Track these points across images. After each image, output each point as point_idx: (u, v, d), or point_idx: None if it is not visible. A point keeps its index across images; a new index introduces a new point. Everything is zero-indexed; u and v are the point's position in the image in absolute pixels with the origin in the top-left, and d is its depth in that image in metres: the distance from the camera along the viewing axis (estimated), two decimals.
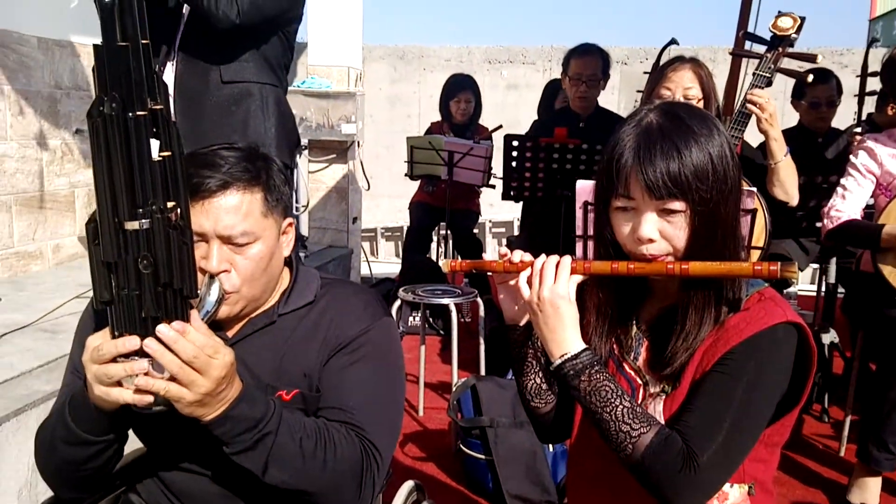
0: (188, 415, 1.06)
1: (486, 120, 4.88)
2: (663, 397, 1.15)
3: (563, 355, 1.13)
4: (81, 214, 4.25)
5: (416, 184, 4.69)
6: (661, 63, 3.73)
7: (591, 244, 2.10)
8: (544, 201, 3.12)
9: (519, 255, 1.21)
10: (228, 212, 1.20)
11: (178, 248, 0.99)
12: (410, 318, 3.98)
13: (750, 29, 2.75)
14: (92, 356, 1.03)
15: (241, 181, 1.21)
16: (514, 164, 2.94)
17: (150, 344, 1.00)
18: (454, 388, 2.39)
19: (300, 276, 1.36)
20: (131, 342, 1.00)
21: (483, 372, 2.91)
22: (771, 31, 2.24)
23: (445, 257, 4.17)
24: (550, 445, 2.25)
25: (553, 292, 1.13)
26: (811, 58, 2.26)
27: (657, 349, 1.17)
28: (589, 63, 3.44)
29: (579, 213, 2.07)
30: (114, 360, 1.02)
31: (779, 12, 2.24)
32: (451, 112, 4.50)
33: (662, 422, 1.12)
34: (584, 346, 1.14)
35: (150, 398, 1.03)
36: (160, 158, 0.98)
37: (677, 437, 1.07)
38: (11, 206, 3.70)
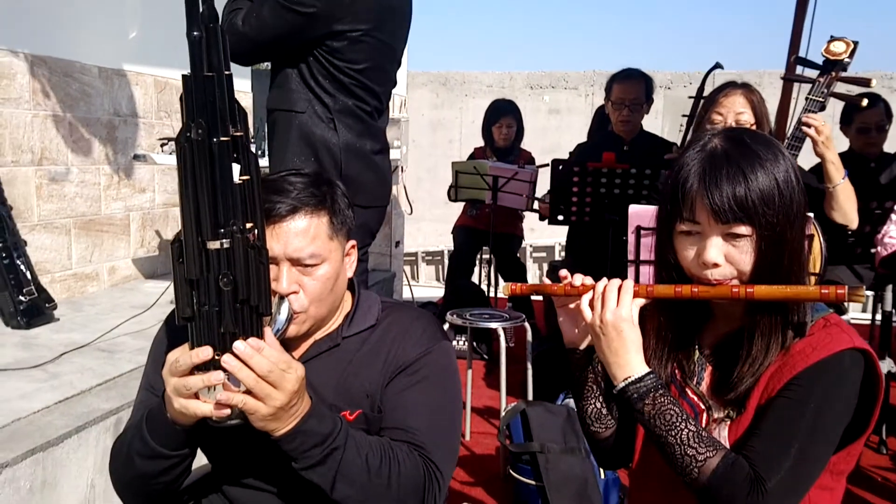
0: (261, 429, 1.09)
1: (528, 144, 4.92)
2: (728, 422, 1.15)
3: (626, 378, 1.14)
4: (136, 238, 4.37)
5: (457, 207, 4.72)
6: (707, 88, 3.73)
7: (644, 268, 2.11)
8: (591, 226, 3.12)
9: (580, 279, 1.23)
10: (297, 235, 1.24)
11: (255, 267, 1.03)
12: (455, 342, 4.00)
13: (801, 53, 2.74)
14: (171, 369, 1.07)
15: (309, 205, 1.26)
16: (561, 188, 2.96)
17: (227, 360, 1.04)
18: (504, 413, 2.39)
19: (362, 299, 1.40)
20: (204, 352, 1.04)
21: (530, 397, 2.91)
22: (823, 56, 2.24)
23: (489, 282, 4.19)
24: (602, 472, 2.24)
25: (616, 315, 1.14)
26: (865, 82, 2.25)
27: (721, 374, 1.17)
28: (631, 87, 3.46)
29: (631, 238, 2.08)
30: (191, 372, 1.06)
31: (831, 37, 2.24)
32: (493, 137, 4.54)
33: (728, 447, 1.11)
34: (647, 369, 1.15)
35: (227, 411, 1.06)
36: (240, 182, 1.03)
37: (744, 462, 1.07)
38: (70, 228, 3.83)
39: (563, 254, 6.76)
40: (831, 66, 2.23)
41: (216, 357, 1.05)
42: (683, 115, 3.69)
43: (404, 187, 4.87)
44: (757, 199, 1.07)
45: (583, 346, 1.28)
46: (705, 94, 3.64)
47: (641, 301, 1.17)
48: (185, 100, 0.98)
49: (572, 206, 2.95)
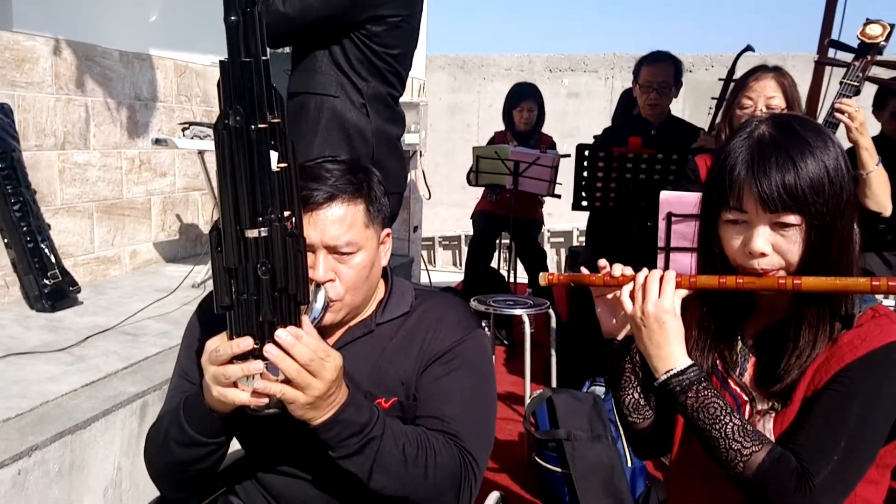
0: (299, 418, 1.09)
1: (547, 128, 4.87)
2: (773, 415, 1.13)
3: (668, 371, 1.12)
4: (157, 221, 4.39)
5: (475, 192, 4.69)
6: (737, 70, 3.67)
7: (674, 256, 2.08)
8: (613, 212, 3.09)
9: (620, 269, 1.21)
10: (334, 223, 1.23)
11: (293, 255, 1.02)
12: None
13: (833, 36, 2.68)
14: (210, 357, 1.07)
15: (346, 193, 1.25)
16: (585, 173, 2.93)
17: (269, 349, 1.03)
18: (529, 400, 2.38)
19: (395, 286, 1.39)
20: (245, 342, 1.04)
21: (554, 384, 2.89)
22: (859, 39, 2.19)
23: (508, 267, 4.17)
24: (629, 460, 2.23)
25: (658, 307, 1.12)
26: None
27: (765, 365, 1.15)
28: (660, 70, 3.41)
29: (662, 225, 2.06)
30: (230, 361, 1.06)
31: (867, 20, 2.18)
32: (514, 121, 4.50)
33: (773, 440, 1.10)
34: (690, 361, 1.13)
35: (266, 400, 1.06)
36: (278, 169, 1.01)
37: (791, 456, 1.05)
38: (93, 212, 3.84)
39: (581, 239, 6.72)
40: (867, 50, 2.18)
41: (255, 346, 1.04)
42: (713, 98, 3.64)
43: (423, 172, 4.85)
44: (807, 188, 1.05)
45: (620, 337, 1.27)
46: (736, 76, 3.59)
47: (684, 292, 1.14)
48: (223, 86, 0.97)
49: (597, 192, 2.91)
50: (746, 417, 1.15)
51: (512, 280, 4.20)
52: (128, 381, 2.56)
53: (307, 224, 1.20)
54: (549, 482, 2.27)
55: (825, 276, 1.06)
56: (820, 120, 2.25)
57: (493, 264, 4.67)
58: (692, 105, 6.82)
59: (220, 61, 0.96)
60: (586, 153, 2.96)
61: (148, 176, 4.25)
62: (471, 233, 4.71)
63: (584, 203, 3.04)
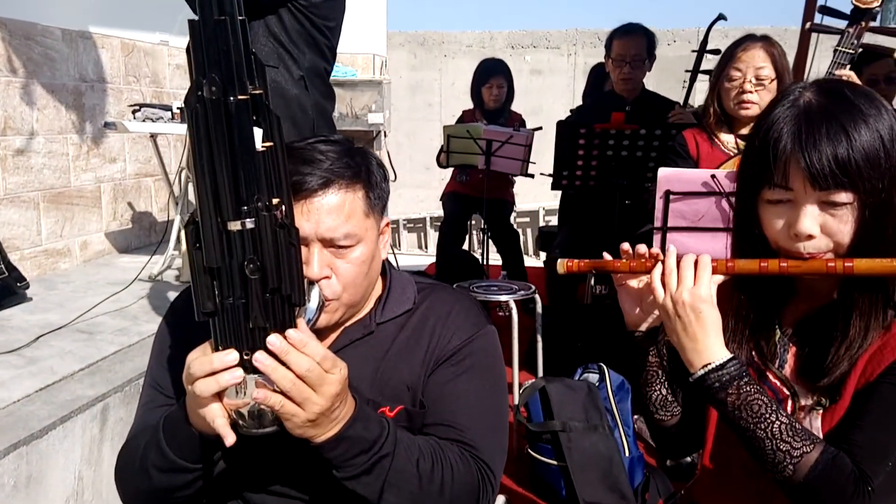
0: (299, 436, 0.95)
1: (511, 106, 4.74)
2: (820, 411, 1.02)
3: (706, 365, 1.01)
4: (108, 210, 4.15)
5: (439, 173, 4.55)
6: (708, 38, 3.59)
7: (672, 235, 1.98)
8: (590, 191, 2.98)
9: (645, 251, 1.09)
10: (331, 212, 1.08)
11: (285, 249, 0.88)
12: None
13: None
14: (185, 376, 0.92)
15: (344, 178, 1.09)
16: (566, 151, 2.81)
17: (260, 358, 0.89)
18: (521, 390, 2.27)
19: (395, 280, 1.24)
20: (229, 356, 0.89)
21: (541, 371, 2.79)
22: (854, 4, 2.10)
23: (482, 250, 4.05)
24: (627, 449, 2.14)
25: (694, 295, 1.01)
26: None
27: (809, 356, 1.05)
28: (633, 43, 3.30)
29: (659, 204, 1.95)
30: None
31: None
32: (483, 98, 4.36)
33: (824, 441, 0.99)
34: (729, 354, 1.02)
35: (230, 435, 0.92)
36: (263, 149, 0.86)
37: (846, 457, 0.95)
38: (39, 202, 3.60)
39: (547, 219, 6.64)
40: (861, 16, 2.10)
41: (245, 357, 0.89)
42: (686, 71, 3.55)
43: (388, 153, 4.69)
44: (861, 161, 0.93)
45: (645, 328, 1.15)
46: (709, 47, 3.51)
47: (720, 278, 1.03)
48: (194, 51, 0.81)
49: (577, 171, 2.80)
50: (789, 413, 1.04)
51: (485, 263, 4.07)
52: (86, 383, 2.39)
53: (299, 214, 1.04)
54: (544, 475, 2.16)
55: (879, 258, 0.95)
56: None
57: (465, 246, 4.54)
58: (655, 81, 6.75)
59: (190, 21, 0.80)
60: (566, 130, 2.84)
61: (97, 162, 4.01)
62: (436, 215, 4.57)
63: (565, 182, 2.92)
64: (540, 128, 3.86)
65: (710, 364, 1.01)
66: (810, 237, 0.98)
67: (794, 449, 0.95)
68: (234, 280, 0.87)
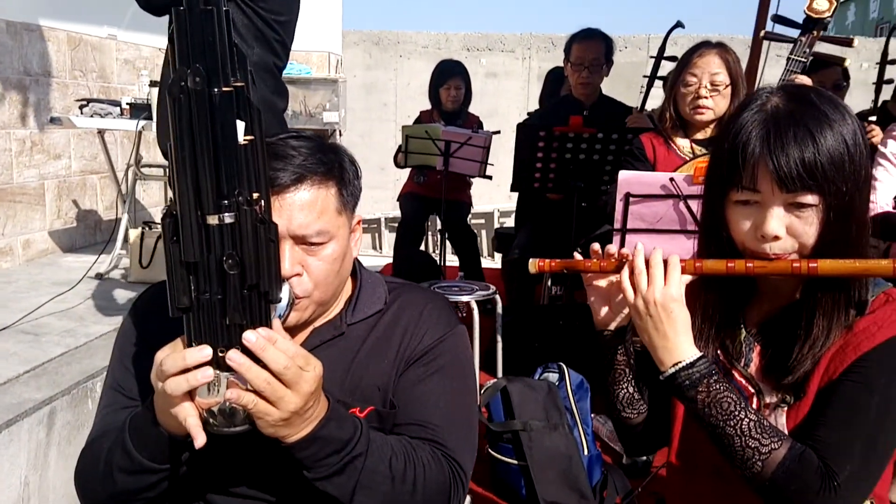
0: (271, 435, 0.93)
1: (469, 108, 4.76)
2: (785, 408, 1.05)
3: (676, 364, 1.03)
4: (52, 208, 4.02)
5: (394, 174, 4.54)
6: (666, 45, 3.67)
7: (630, 237, 2.01)
8: (545, 193, 3.02)
9: (615, 251, 1.11)
10: (303, 209, 1.06)
11: (265, 245, 0.86)
12: None
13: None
14: (156, 372, 0.90)
15: (317, 174, 1.08)
16: (525, 154, 2.83)
17: (233, 357, 0.87)
18: (482, 391, 2.27)
19: (365, 280, 1.23)
20: (203, 352, 0.87)
21: (501, 372, 2.80)
22: (806, 14, 2.17)
23: (440, 251, 4.05)
24: (586, 448, 2.16)
25: (665, 295, 1.03)
26: (847, 42, 2.20)
27: (773, 355, 1.08)
28: (591, 47, 3.36)
29: (619, 206, 1.99)
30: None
31: None
32: (440, 99, 4.36)
33: (791, 438, 1.02)
34: (699, 353, 1.04)
35: (201, 435, 0.90)
36: (245, 143, 0.85)
37: (812, 454, 0.98)
38: None
39: (502, 220, 6.68)
40: (813, 25, 2.17)
41: (220, 353, 0.87)
42: (644, 76, 3.62)
43: None
44: (827, 164, 0.96)
45: (613, 327, 1.17)
46: (666, 54, 3.59)
47: (688, 278, 1.05)
48: (178, 41, 0.79)
49: (536, 173, 2.82)
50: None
51: (442, 264, 4.08)
52: (31, 386, 2.31)
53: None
54: (504, 475, 2.17)
55: (842, 259, 0.99)
56: None
57: (422, 247, 4.54)
58: (607, 86, 6.86)
59: (175, 10, 0.79)
60: (526, 133, 2.87)
61: (41, 158, 3.88)
62: (391, 215, 4.55)
63: (524, 184, 2.94)
64: (498, 131, 3.89)
65: (680, 362, 1.03)
66: (776, 238, 1.00)
67: (763, 446, 0.98)
68: (212, 275, 0.85)
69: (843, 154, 0.97)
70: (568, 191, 2.87)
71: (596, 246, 1.14)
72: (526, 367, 2.57)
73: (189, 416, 0.90)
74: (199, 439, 0.89)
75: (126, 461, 1.01)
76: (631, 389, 1.19)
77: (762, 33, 2.41)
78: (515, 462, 2.10)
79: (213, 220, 0.83)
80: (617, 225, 2.01)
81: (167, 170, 5.06)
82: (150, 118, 3.43)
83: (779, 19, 2.31)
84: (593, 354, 1.20)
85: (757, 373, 1.10)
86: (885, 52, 3.41)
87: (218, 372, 0.89)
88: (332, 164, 1.11)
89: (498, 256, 5.40)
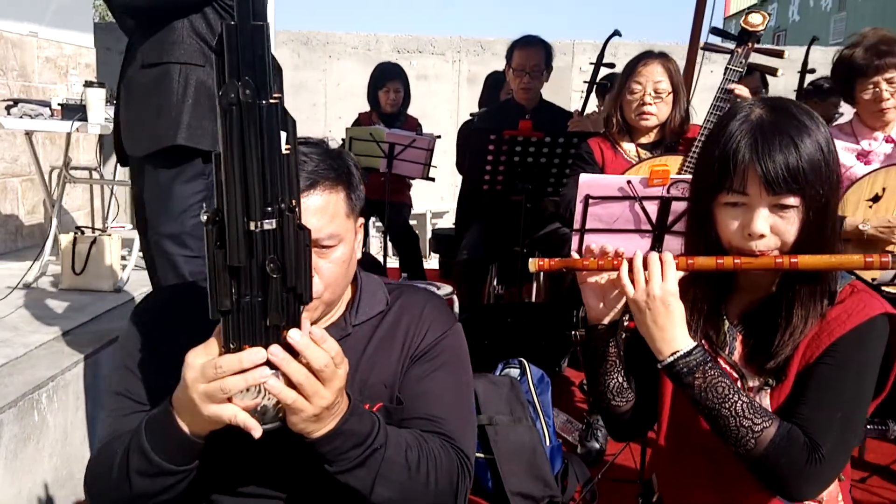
0: (300, 431, 0.98)
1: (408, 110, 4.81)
2: (768, 391, 1.16)
3: (674, 353, 1.12)
4: None
5: None
6: (605, 53, 3.83)
7: (589, 236, 2.11)
8: (501, 194, 3.11)
9: (612, 251, 1.19)
10: (316, 213, 1.10)
11: (303, 250, 0.90)
12: None
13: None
14: (205, 373, 0.92)
15: (328, 179, 1.13)
16: (476, 156, 2.91)
17: (275, 352, 0.90)
18: None
19: (365, 283, 1.28)
20: (257, 354, 0.90)
21: None
22: (742, 27, 2.34)
23: (384, 252, 4.08)
24: (547, 440, 2.26)
25: (664, 290, 1.12)
26: (779, 53, 2.38)
27: (755, 343, 1.19)
28: (532, 54, 3.47)
29: (579, 207, 2.08)
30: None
31: (748, 9, 2.34)
32: (379, 102, 4.40)
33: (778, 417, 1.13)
34: (693, 342, 1.14)
35: (257, 427, 0.93)
36: (287, 153, 0.88)
37: (798, 430, 1.09)
38: None
39: (434, 221, 6.75)
40: (748, 37, 2.34)
41: None
42: (584, 82, 3.76)
43: None
44: (808, 168, 1.08)
45: (607, 321, 1.25)
46: (605, 60, 3.75)
47: (680, 273, 1.15)
48: (228, 55, 0.82)
49: (485, 175, 2.91)
50: None
51: (385, 265, 4.11)
52: None
53: None
54: None
55: (820, 255, 1.10)
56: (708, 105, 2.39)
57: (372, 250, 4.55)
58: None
59: (225, 25, 0.82)
60: (476, 136, 2.94)
61: None
62: None
63: (473, 185, 3.02)
64: (440, 136, 3.96)
65: (678, 351, 1.12)
66: (762, 236, 1.11)
67: (756, 425, 1.09)
68: (254, 278, 0.88)
69: (821, 159, 1.09)
70: (515, 192, 2.97)
71: (592, 245, 1.22)
72: (484, 364, 2.64)
73: (237, 413, 0.93)
74: (257, 431, 0.92)
75: (144, 464, 1.02)
76: (620, 379, 1.28)
77: (702, 44, 2.57)
78: (482, 455, 2.17)
79: (257, 226, 0.86)
80: (576, 225, 2.10)
81: (91, 173, 4.89)
82: (84, 119, 3.32)
83: (717, 31, 2.48)
84: (587, 347, 1.28)
85: (740, 359, 1.20)
86: (804, 63, 3.68)
87: None
88: (340, 169, 1.16)
89: (435, 257, 5.47)
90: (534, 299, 3.60)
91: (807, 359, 1.14)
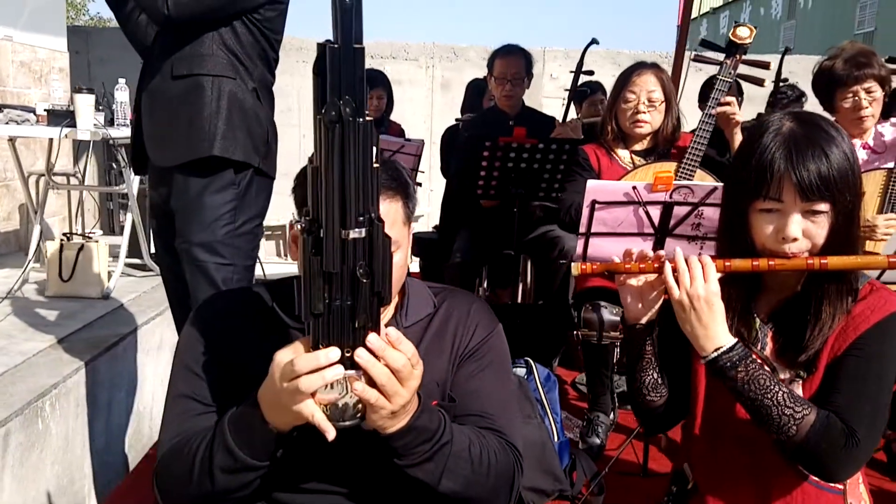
0: (378, 427, 1.04)
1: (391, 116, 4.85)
2: (800, 382, 1.26)
3: (718, 349, 1.21)
4: None
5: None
6: (583, 61, 3.94)
7: (595, 240, 2.20)
8: (492, 199, 3.18)
9: (649, 255, 1.28)
10: None
11: (388, 256, 0.96)
12: None
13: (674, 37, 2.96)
14: (288, 371, 0.97)
15: (390, 189, 1.19)
16: (470, 162, 2.98)
17: (362, 355, 0.96)
18: None
19: (410, 287, 1.35)
20: (333, 353, 0.96)
21: None
22: (730, 40, 2.46)
23: None
24: (556, 436, 2.33)
25: (708, 290, 1.20)
26: (764, 65, 2.51)
27: (786, 338, 1.28)
28: (513, 62, 3.56)
29: (586, 212, 2.17)
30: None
31: (736, 22, 2.46)
32: None
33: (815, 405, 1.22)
34: (734, 339, 1.22)
35: (331, 429, 0.99)
36: (377, 166, 0.94)
37: (835, 416, 1.18)
38: None
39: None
40: (735, 49, 2.46)
41: (346, 353, 0.96)
42: (565, 90, 3.86)
43: None
44: (838, 176, 1.18)
45: (644, 321, 1.33)
46: (585, 68, 3.86)
47: (719, 274, 1.24)
48: (330, 74, 0.88)
49: (479, 181, 2.98)
50: None
51: None
52: None
53: None
54: None
55: (848, 256, 1.20)
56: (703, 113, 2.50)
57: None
58: None
59: (330, 47, 0.87)
60: (470, 142, 3.01)
61: None
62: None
63: (466, 191, 3.09)
64: (422, 141, 4.02)
65: (721, 347, 1.21)
66: (795, 240, 1.21)
67: (797, 413, 1.18)
68: (345, 283, 0.94)
69: (848, 168, 1.19)
70: (508, 197, 3.04)
71: (631, 249, 1.30)
72: None
73: (315, 412, 0.98)
74: (331, 432, 0.98)
75: (229, 461, 1.07)
76: (655, 375, 1.37)
77: (692, 55, 2.69)
78: None
79: (352, 234, 0.92)
80: (582, 229, 2.19)
81: (69, 179, 4.82)
82: (73, 125, 3.30)
83: (706, 44, 2.60)
84: (627, 345, 1.37)
85: (771, 354, 1.30)
86: (779, 72, 3.84)
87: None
88: (398, 179, 1.22)
89: (416, 260, 5.51)
90: (520, 300, 3.68)
91: (835, 352, 1.23)
